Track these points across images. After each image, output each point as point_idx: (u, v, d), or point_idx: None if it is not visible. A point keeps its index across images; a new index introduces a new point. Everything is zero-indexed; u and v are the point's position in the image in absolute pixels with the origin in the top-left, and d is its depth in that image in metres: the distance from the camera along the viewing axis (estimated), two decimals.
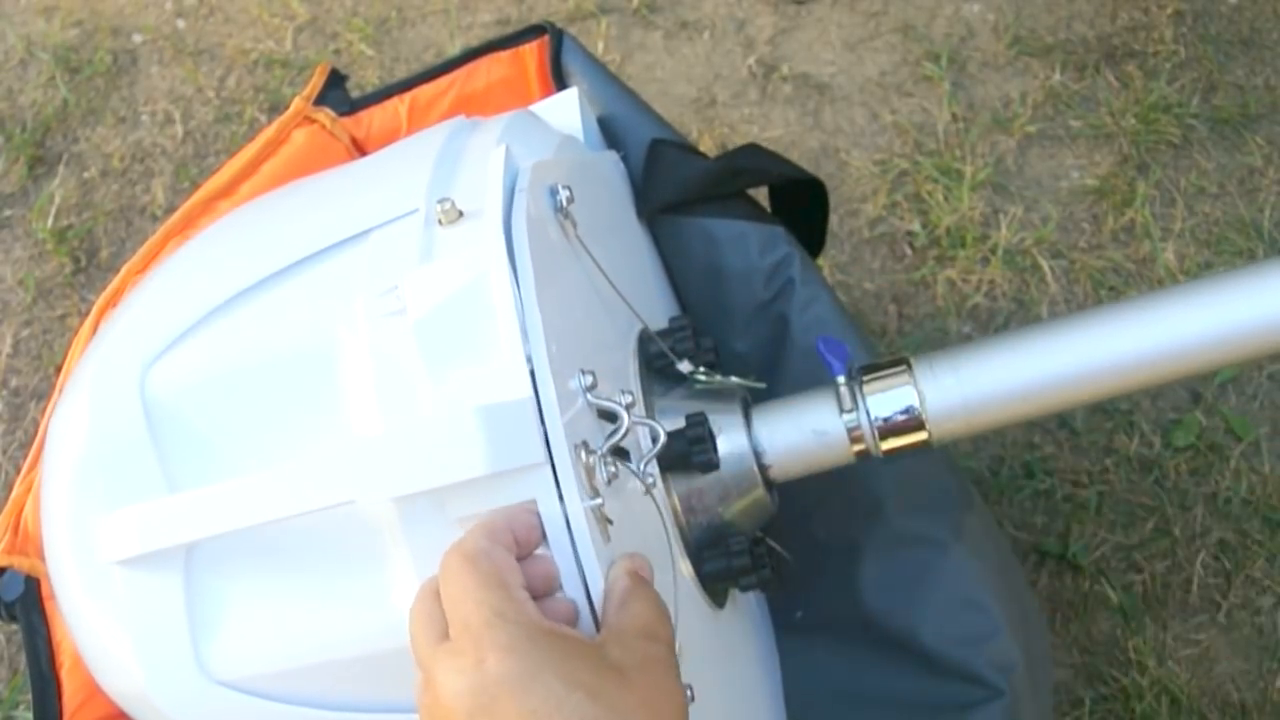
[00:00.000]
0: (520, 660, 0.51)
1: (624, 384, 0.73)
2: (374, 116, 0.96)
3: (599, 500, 0.59)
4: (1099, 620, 1.19)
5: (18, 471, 1.24)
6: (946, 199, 1.38)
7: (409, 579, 0.61)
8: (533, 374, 0.59)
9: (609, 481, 0.61)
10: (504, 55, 0.96)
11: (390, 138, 0.95)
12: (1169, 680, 1.16)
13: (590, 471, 0.59)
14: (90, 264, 1.42)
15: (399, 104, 0.96)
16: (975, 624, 0.86)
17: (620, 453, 0.63)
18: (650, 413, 0.74)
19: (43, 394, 1.36)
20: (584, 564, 0.59)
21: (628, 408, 0.64)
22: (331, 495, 0.58)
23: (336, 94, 0.96)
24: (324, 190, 0.80)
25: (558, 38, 0.95)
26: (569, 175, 0.72)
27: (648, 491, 0.66)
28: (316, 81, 0.96)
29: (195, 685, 0.65)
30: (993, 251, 1.35)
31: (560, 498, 0.58)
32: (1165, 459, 1.25)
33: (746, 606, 0.88)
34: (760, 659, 0.89)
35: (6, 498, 0.85)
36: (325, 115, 0.94)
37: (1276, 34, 1.47)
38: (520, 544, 0.57)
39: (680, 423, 0.72)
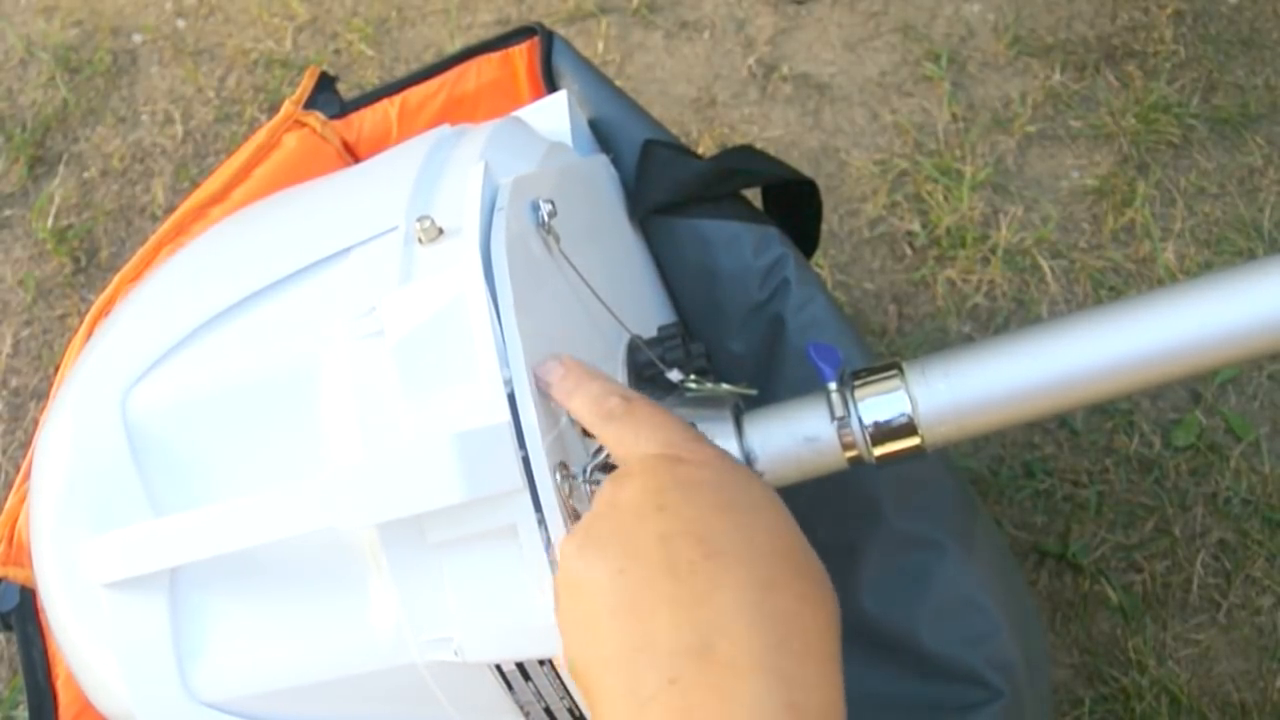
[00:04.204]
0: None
1: None
2: (364, 119, 0.95)
3: None
4: (1099, 620, 1.19)
5: (17, 471, 1.25)
6: (946, 199, 1.37)
7: (389, 599, 0.61)
8: (512, 397, 0.58)
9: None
10: (494, 57, 0.95)
11: (381, 140, 0.94)
12: (1169, 680, 1.16)
13: (572, 493, 0.59)
14: (90, 264, 1.42)
15: (389, 106, 0.95)
16: (974, 624, 0.85)
17: (608, 468, 0.63)
18: None
19: (42, 394, 1.37)
20: None
21: None
22: (312, 521, 0.58)
23: (326, 97, 0.96)
24: (307, 205, 0.79)
25: (548, 39, 0.95)
26: (552, 187, 0.72)
27: None
28: (306, 85, 0.95)
29: (181, 707, 0.65)
30: (993, 251, 1.35)
31: (541, 522, 0.58)
32: (1165, 459, 1.25)
33: None
34: None
35: (6, 498, 0.85)
36: (315, 119, 0.94)
37: (1276, 34, 1.46)
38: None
39: None
